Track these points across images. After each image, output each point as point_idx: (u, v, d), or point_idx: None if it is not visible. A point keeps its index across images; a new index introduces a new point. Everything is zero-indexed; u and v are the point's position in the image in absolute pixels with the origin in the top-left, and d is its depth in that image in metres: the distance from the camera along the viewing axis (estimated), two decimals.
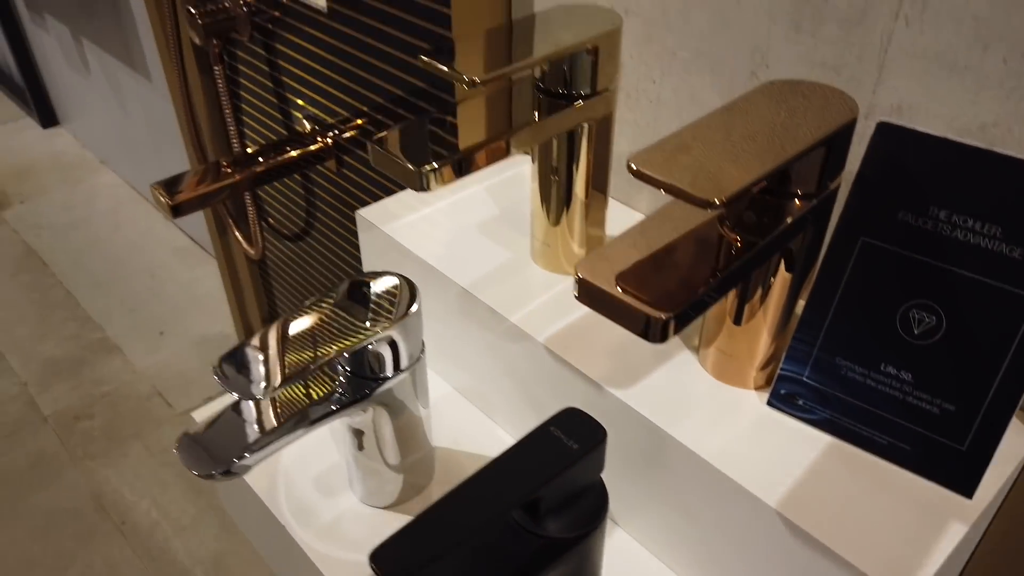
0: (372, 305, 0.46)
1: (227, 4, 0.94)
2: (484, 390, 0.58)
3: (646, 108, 0.57)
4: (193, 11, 0.92)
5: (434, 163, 0.42)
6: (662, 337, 0.33)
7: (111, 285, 1.93)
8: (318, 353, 0.43)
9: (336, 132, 0.92)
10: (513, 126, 0.47)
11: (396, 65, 0.77)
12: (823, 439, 0.43)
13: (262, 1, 0.92)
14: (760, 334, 0.44)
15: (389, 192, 0.90)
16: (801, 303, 0.43)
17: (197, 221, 2.01)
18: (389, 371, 0.48)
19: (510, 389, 0.55)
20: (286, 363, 0.42)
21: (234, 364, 0.42)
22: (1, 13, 2.33)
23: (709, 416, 0.45)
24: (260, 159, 0.91)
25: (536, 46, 0.45)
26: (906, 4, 0.40)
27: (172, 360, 1.72)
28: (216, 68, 0.98)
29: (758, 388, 0.47)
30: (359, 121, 0.88)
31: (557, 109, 0.48)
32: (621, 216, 0.62)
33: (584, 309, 0.53)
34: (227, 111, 1.00)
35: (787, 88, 0.39)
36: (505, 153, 0.46)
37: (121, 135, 2.13)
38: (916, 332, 0.40)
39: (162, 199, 0.82)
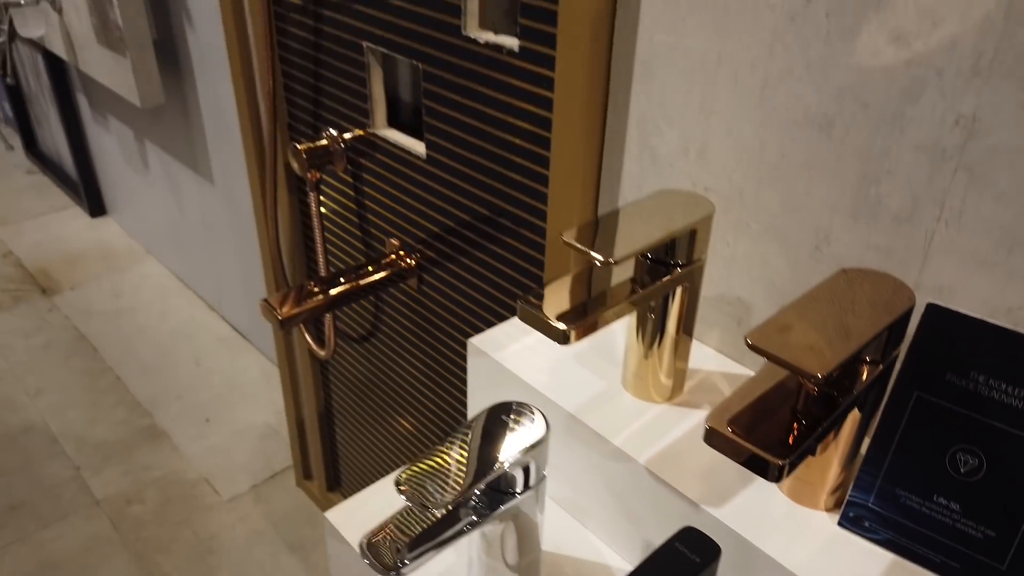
0: (512, 430, 0.56)
1: (327, 141, 1.07)
2: (582, 502, 0.68)
3: (720, 264, 0.69)
4: (299, 146, 1.05)
5: (572, 327, 0.53)
6: (778, 478, 0.43)
7: (158, 372, 2.02)
8: (475, 473, 0.53)
9: (420, 254, 1.04)
10: (613, 289, 0.59)
11: (488, 208, 0.89)
12: (886, 556, 0.52)
13: (358, 140, 1.05)
14: (832, 465, 0.54)
15: (461, 306, 1.01)
16: (867, 441, 0.54)
17: (239, 311, 2.12)
18: (520, 487, 0.57)
19: (608, 501, 0.65)
20: (452, 481, 0.52)
21: (411, 478, 0.52)
22: (64, 111, 2.50)
23: (789, 533, 0.54)
24: (348, 280, 1.03)
25: (647, 228, 0.57)
26: (946, 211, 0.52)
27: (218, 447, 1.79)
28: (311, 194, 1.10)
29: (828, 510, 0.56)
30: (442, 246, 0.99)
31: (658, 273, 0.60)
32: (696, 350, 0.72)
33: (673, 435, 0.63)
34: (317, 234, 1.13)
35: (860, 277, 0.50)
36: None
37: (173, 229, 2.26)
38: (962, 471, 0.50)
39: (273, 313, 0.93)
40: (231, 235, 1.93)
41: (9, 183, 2.94)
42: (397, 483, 0.52)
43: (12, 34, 2.40)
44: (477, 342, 0.73)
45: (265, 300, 0.95)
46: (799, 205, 0.61)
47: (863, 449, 0.54)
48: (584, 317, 0.54)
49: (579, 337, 0.54)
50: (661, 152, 0.69)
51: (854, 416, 0.53)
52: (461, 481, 0.52)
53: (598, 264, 0.53)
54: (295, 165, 1.08)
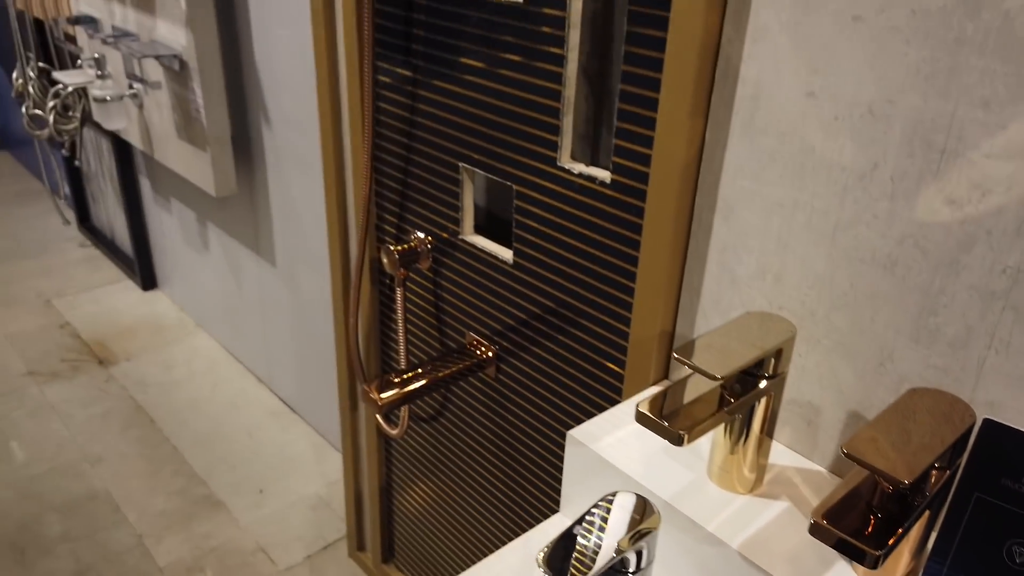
0: (628, 517, 0.66)
1: (415, 243, 1.20)
2: None
3: (793, 371, 0.79)
4: (392, 247, 1.18)
5: (687, 432, 0.64)
6: (875, 566, 0.53)
7: (213, 443, 2.11)
8: (602, 555, 0.62)
9: (499, 347, 1.15)
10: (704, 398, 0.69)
11: (573, 311, 1.01)
12: None
13: (444, 242, 1.18)
14: (903, 555, 0.64)
15: (539, 396, 1.11)
16: (934, 534, 0.63)
17: (289, 385, 2.22)
18: (632, 568, 0.67)
19: None
20: (585, 561, 0.61)
21: (551, 556, 0.61)
22: (127, 192, 2.66)
23: None
24: (432, 370, 1.13)
25: (742, 347, 0.68)
26: (996, 341, 0.63)
27: (272, 517, 1.87)
28: (399, 290, 1.22)
29: None
30: (523, 341, 1.10)
31: (747, 384, 0.70)
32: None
33: (759, 523, 0.73)
34: (400, 326, 1.24)
35: (926, 396, 0.61)
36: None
37: (227, 305, 2.38)
38: (1017, 561, 0.60)
39: (373, 399, 1.04)
40: (288, 315, 2.04)
41: (63, 256, 3.08)
42: (539, 562, 0.61)
43: (83, 120, 2.57)
44: (576, 434, 0.84)
45: (364, 388, 1.06)
46: (865, 328, 0.72)
47: (930, 542, 0.64)
48: (694, 422, 0.65)
49: (691, 440, 0.65)
50: (740, 275, 0.81)
51: (924, 513, 0.62)
52: (591, 562, 0.62)
53: (711, 379, 0.64)
54: (386, 263, 1.20)
